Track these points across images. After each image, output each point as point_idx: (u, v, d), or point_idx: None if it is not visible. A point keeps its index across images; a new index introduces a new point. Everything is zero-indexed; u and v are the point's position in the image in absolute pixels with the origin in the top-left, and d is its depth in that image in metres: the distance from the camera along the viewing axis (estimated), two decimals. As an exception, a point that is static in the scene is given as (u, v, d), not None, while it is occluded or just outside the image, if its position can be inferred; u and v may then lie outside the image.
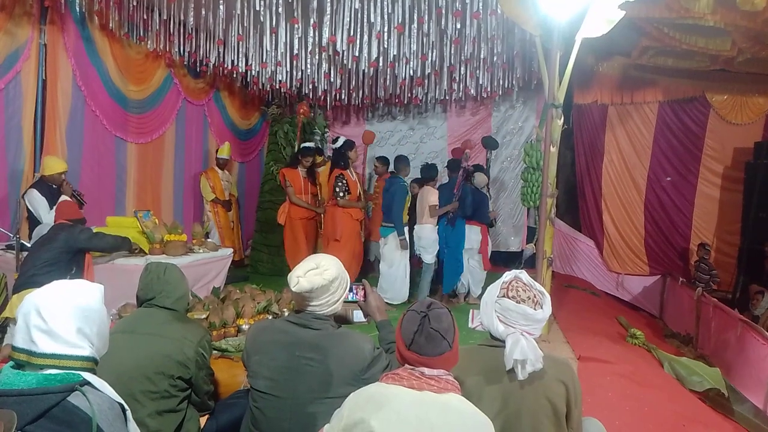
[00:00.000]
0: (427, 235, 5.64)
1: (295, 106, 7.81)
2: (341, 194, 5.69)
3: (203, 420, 2.43)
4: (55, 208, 4.23)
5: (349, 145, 5.95)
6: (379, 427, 1.40)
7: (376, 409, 1.44)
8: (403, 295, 5.65)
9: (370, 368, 1.99)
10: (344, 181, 5.73)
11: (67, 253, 3.77)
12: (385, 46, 5.67)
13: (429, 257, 5.68)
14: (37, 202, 4.49)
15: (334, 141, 6.18)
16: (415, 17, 5.36)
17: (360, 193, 5.98)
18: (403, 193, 5.56)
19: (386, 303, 5.41)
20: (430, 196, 5.66)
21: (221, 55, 6.39)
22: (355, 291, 2.36)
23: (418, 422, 1.41)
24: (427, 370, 1.52)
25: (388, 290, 5.59)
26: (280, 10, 5.15)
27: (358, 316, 2.47)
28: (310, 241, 6.54)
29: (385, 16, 5.22)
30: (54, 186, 4.67)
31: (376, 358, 2.02)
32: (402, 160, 5.85)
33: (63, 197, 4.72)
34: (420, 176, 6.05)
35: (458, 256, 5.85)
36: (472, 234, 5.93)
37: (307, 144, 6.81)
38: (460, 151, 7.01)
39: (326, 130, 8.86)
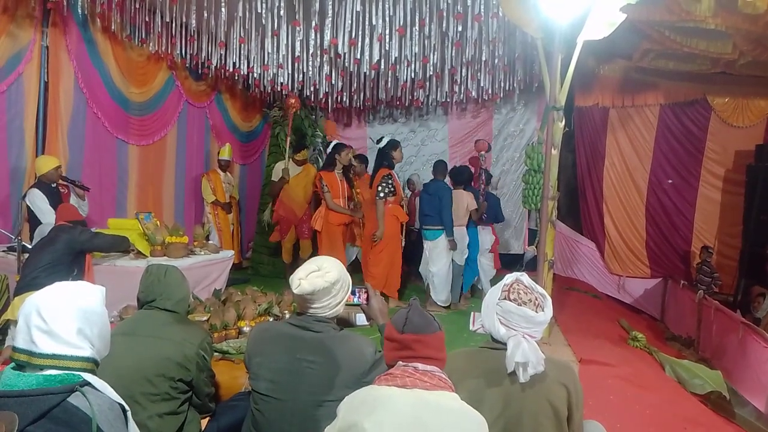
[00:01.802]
0: (461, 237, 5.78)
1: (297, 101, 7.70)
2: (384, 194, 5.51)
3: (204, 422, 2.43)
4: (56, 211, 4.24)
5: (393, 144, 5.77)
6: (372, 430, 1.40)
7: (370, 411, 1.44)
8: (448, 296, 5.78)
9: (371, 371, 1.98)
10: (391, 181, 5.56)
11: (69, 255, 3.77)
12: (387, 48, 5.67)
13: (461, 258, 5.81)
14: (38, 201, 4.50)
15: (378, 141, 5.92)
16: (417, 20, 5.36)
17: (402, 195, 5.93)
18: (450, 195, 5.66)
19: (439, 305, 5.66)
20: (471, 200, 5.87)
21: (223, 57, 6.39)
22: (357, 294, 2.36)
23: (412, 423, 1.41)
24: (420, 365, 1.53)
25: (442, 291, 5.70)
26: (281, 12, 5.16)
27: (360, 319, 2.46)
28: (344, 247, 6.23)
29: (387, 19, 5.22)
30: (53, 185, 4.68)
31: (377, 361, 2.01)
32: (441, 164, 5.99)
33: (73, 198, 4.76)
34: (452, 179, 6.09)
35: (474, 257, 6.04)
36: (486, 235, 6.24)
37: (337, 141, 6.46)
38: (476, 160, 7.08)
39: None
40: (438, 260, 5.63)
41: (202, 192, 7.06)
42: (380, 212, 5.50)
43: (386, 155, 5.70)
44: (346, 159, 6.07)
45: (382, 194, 5.49)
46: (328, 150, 6.14)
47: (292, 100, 6.83)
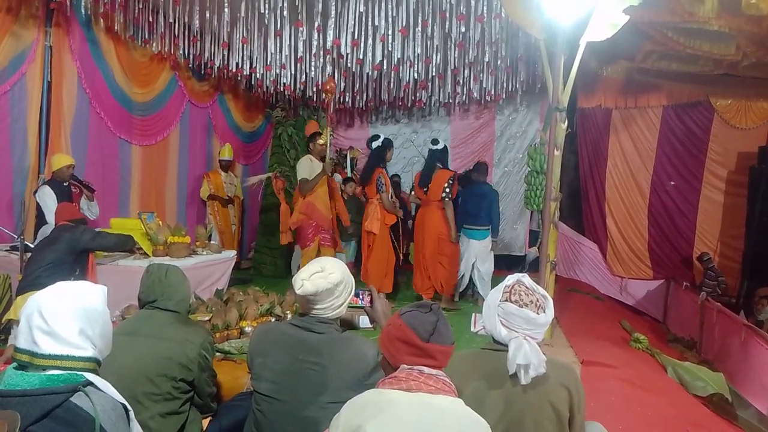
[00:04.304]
0: None
1: (322, 100, 7.18)
2: (451, 197, 5.54)
3: (206, 422, 2.43)
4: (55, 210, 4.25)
5: (446, 148, 5.84)
6: None
7: (373, 415, 1.42)
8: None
9: (373, 374, 1.98)
10: (453, 183, 5.56)
11: (71, 254, 3.78)
12: (390, 49, 5.68)
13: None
14: (48, 199, 4.53)
15: (435, 142, 5.84)
16: (420, 20, 5.36)
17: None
18: (498, 198, 6.13)
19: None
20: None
21: (226, 57, 6.41)
22: (361, 296, 2.35)
23: (416, 427, 1.40)
24: (426, 369, 1.51)
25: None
26: (284, 13, 5.17)
27: (364, 321, 2.46)
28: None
29: (390, 20, 5.23)
30: (64, 183, 4.70)
31: (379, 363, 2.01)
32: (483, 166, 6.25)
33: (84, 200, 4.77)
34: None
35: None
36: None
37: (384, 137, 5.96)
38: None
39: (330, 133, 8.86)
40: (487, 259, 5.93)
41: (201, 192, 7.07)
42: (451, 215, 5.59)
43: (443, 158, 5.75)
44: (391, 156, 5.88)
45: (452, 194, 5.54)
46: (375, 145, 5.78)
47: (329, 86, 5.83)
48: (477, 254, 5.87)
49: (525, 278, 1.88)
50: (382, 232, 5.64)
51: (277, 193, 6.34)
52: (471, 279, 6.06)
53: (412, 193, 6.00)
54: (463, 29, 5.51)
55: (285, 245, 6.42)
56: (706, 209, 7.67)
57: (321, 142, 5.68)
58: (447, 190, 5.48)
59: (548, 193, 4.55)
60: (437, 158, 5.71)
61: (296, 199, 5.75)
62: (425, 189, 5.63)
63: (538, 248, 4.71)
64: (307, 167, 5.62)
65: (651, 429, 3.37)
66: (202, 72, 6.85)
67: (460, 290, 6.14)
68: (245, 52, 6.32)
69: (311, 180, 5.53)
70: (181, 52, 6.11)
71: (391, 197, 5.73)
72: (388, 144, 5.77)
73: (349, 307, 2.20)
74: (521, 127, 8.60)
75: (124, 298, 3.98)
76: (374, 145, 5.76)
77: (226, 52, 6.34)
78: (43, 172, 4.96)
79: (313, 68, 6.51)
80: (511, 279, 1.88)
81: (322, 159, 5.64)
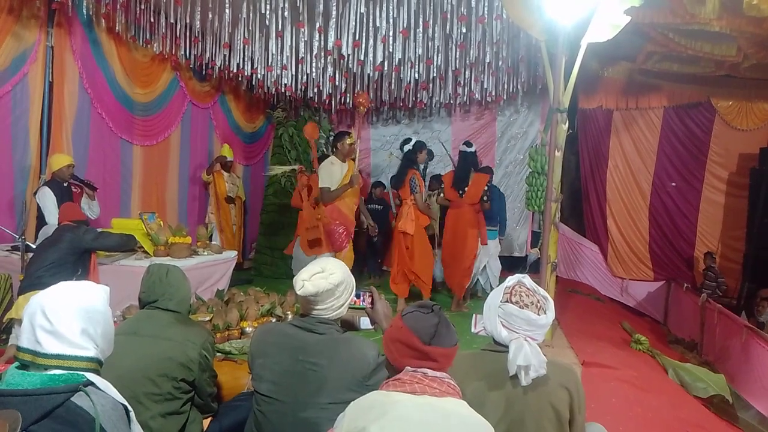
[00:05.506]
0: None
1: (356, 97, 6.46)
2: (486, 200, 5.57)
3: (206, 422, 2.44)
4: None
5: (475, 151, 5.81)
6: None
7: (377, 416, 1.41)
8: None
9: (373, 375, 1.97)
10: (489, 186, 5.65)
11: (73, 254, 3.78)
12: (390, 50, 5.68)
13: None
14: (47, 200, 4.53)
15: (468, 145, 5.76)
16: (421, 21, 5.37)
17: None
18: (505, 199, 6.50)
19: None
20: None
21: (227, 58, 6.41)
22: (362, 297, 2.35)
23: (421, 428, 1.40)
24: (430, 372, 1.50)
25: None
26: (286, 14, 5.17)
27: (365, 322, 2.45)
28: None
29: (391, 20, 5.24)
30: (65, 183, 4.71)
31: (380, 364, 2.00)
32: (490, 170, 6.38)
33: (85, 199, 4.77)
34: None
35: None
36: None
37: (417, 139, 5.99)
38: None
39: (331, 134, 8.88)
40: (495, 256, 6.16)
41: (217, 186, 7.07)
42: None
43: (475, 160, 5.75)
44: (423, 159, 5.76)
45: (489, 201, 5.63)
46: (407, 147, 5.72)
47: (362, 98, 5.67)
48: (490, 254, 6.02)
49: (526, 279, 1.88)
50: (419, 232, 5.54)
51: (300, 191, 5.72)
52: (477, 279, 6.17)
53: (441, 194, 5.92)
54: (464, 30, 5.51)
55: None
56: (707, 210, 7.68)
57: (349, 141, 5.38)
58: (488, 193, 5.56)
59: (549, 194, 4.55)
60: (470, 161, 5.68)
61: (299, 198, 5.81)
62: (460, 191, 5.56)
63: (539, 249, 4.71)
64: (328, 175, 5.25)
65: (651, 430, 3.37)
66: (204, 72, 6.86)
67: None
68: (246, 53, 6.32)
69: (333, 192, 5.22)
70: (183, 52, 6.10)
71: (425, 199, 5.71)
72: (419, 146, 5.73)
73: (350, 308, 2.20)
74: (522, 128, 8.59)
75: (125, 298, 3.98)
76: (406, 148, 5.77)
77: (227, 53, 6.34)
78: (44, 173, 4.96)
79: (314, 69, 6.51)
80: (511, 280, 1.88)
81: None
